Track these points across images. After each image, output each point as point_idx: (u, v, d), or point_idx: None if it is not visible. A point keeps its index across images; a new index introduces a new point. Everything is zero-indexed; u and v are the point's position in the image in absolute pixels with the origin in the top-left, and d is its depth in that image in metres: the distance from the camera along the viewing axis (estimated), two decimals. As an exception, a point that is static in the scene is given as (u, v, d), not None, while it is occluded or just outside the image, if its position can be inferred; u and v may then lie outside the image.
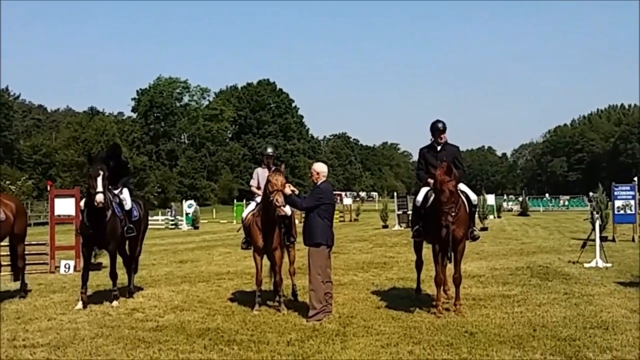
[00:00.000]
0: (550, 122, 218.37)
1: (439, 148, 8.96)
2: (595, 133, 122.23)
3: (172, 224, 38.25)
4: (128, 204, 9.84)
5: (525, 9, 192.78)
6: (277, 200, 8.10)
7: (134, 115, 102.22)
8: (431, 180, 8.42)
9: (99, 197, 8.79)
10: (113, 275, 9.62)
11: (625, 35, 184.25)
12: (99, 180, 8.85)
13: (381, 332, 7.25)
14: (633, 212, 19.65)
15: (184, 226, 37.06)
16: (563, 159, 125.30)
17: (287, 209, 9.32)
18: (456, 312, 8.21)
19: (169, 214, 42.64)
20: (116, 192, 9.74)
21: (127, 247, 10.50)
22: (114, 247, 9.59)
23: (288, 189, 8.27)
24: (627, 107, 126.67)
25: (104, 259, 10.87)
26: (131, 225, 9.81)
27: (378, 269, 13.54)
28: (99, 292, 10.49)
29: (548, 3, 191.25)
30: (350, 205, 46.40)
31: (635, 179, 21.33)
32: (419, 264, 9.76)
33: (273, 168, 8.75)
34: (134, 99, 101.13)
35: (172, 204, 51.31)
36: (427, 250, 9.59)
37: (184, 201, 42.25)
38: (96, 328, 7.75)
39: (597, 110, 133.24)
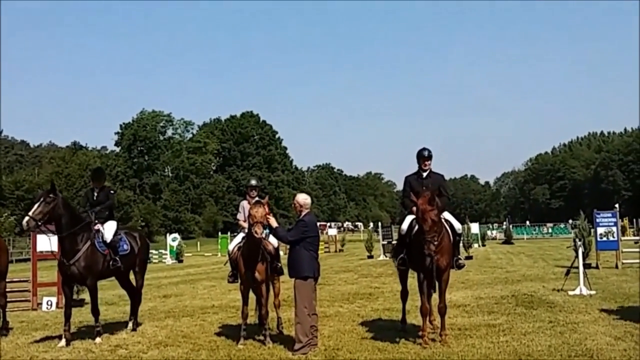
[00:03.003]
0: (532, 150, 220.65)
1: (424, 175, 9.05)
2: (576, 160, 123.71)
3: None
4: (107, 236, 9.69)
5: (507, 37, 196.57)
6: (255, 231, 8.11)
7: (118, 150, 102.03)
8: (414, 209, 8.49)
9: (25, 219, 8.84)
10: (95, 312, 9.49)
11: (605, 64, 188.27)
12: (35, 205, 8.85)
13: (367, 364, 7.21)
14: (615, 239, 19.81)
15: (168, 260, 36.75)
16: (545, 186, 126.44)
17: (274, 241, 9.34)
18: (442, 342, 8.20)
19: None
20: (96, 227, 9.64)
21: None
22: (92, 282, 9.42)
23: (273, 222, 8.29)
24: (607, 134, 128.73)
25: (87, 295, 10.76)
26: (116, 258, 9.70)
27: (364, 300, 13.50)
28: (82, 329, 10.36)
29: (529, 32, 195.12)
30: (335, 235, 46.38)
31: (617, 205, 21.60)
32: (404, 294, 9.76)
33: (254, 200, 8.78)
34: (117, 133, 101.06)
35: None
36: (412, 280, 9.61)
37: (167, 234, 42.01)
38: (79, 366, 7.64)
39: (578, 137, 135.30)
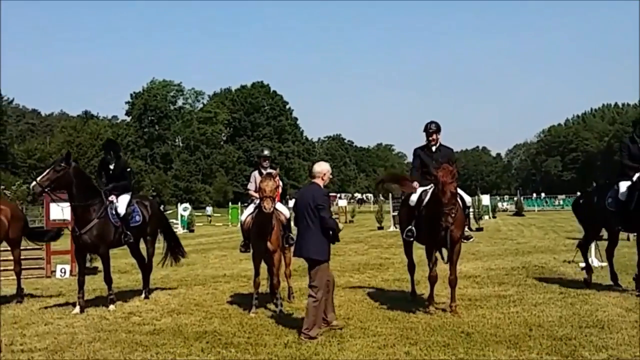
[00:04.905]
0: (545, 121, 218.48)
1: (433, 149, 9.06)
2: (590, 132, 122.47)
3: None
4: (121, 209, 9.78)
5: (519, 8, 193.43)
6: (264, 206, 8.11)
7: (128, 119, 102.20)
8: (421, 189, 8.54)
9: (32, 184, 9.11)
10: (108, 280, 9.60)
11: (620, 35, 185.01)
12: (44, 172, 9.05)
13: (378, 334, 7.27)
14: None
15: (179, 229, 36.99)
16: (557, 158, 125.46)
17: (286, 212, 9.38)
18: (452, 312, 8.24)
19: None
20: (110, 198, 9.69)
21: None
22: (105, 251, 9.54)
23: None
24: (621, 106, 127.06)
25: (100, 263, 10.88)
26: (128, 232, 9.78)
27: (374, 270, 13.57)
28: (96, 296, 10.49)
29: (541, 2, 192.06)
30: (345, 206, 46.43)
31: (630, 177, 21.37)
32: (411, 267, 9.80)
33: (265, 172, 8.76)
34: (127, 102, 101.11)
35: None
36: (420, 251, 9.62)
37: (179, 204, 42.25)
38: (93, 332, 7.76)
39: (591, 109, 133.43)
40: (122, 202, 9.86)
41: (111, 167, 10.11)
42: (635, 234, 10.47)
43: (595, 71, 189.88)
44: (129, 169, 10.63)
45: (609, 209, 9.81)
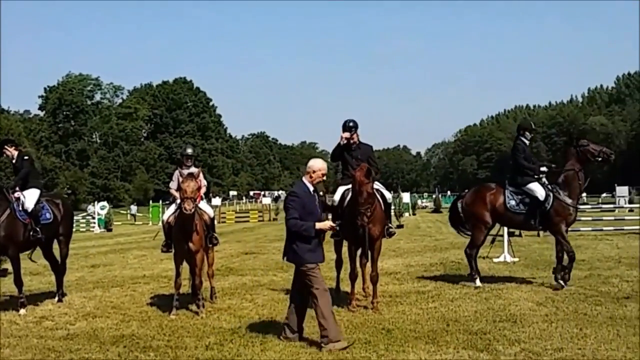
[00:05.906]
0: (462, 121, 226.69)
1: (353, 147, 9.13)
2: (503, 132, 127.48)
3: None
4: (28, 204, 9.29)
5: (441, 10, 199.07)
6: (185, 208, 7.99)
7: (42, 114, 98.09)
8: (343, 188, 8.69)
9: None
10: (18, 282, 9.14)
11: (532, 39, 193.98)
12: None
13: (300, 333, 7.26)
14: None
15: (96, 229, 35.79)
16: (473, 157, 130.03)
17: (209, 211, 9.27)
18: (374, 309, 8.36)
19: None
20: (16, 195, 9.23)
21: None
22: (14, 253, 9.06)
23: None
24: (532, 107, 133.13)
25: (10, 265, 10.35)
26: (37, 228, 9.32)
27: (297, 268, 13.56)
28: (5, 300, 9.98)
29: (459, 4, 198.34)
30: (270, 204, 46.36)
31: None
32: (338, 263, 9.86)
33: (186, 173, 8.58)
34: (41, 96, 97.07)
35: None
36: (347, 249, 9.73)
37: (96, 203, 40.85)
38: (2, 338, 7.37)
39: (505, 110, 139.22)
40: (29, 198, 9.36)
41: (14, 161, 9.73)
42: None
43: (508, 74, 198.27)
44: (26, 157, 10.06)
45: (516, 211, 10.16)
